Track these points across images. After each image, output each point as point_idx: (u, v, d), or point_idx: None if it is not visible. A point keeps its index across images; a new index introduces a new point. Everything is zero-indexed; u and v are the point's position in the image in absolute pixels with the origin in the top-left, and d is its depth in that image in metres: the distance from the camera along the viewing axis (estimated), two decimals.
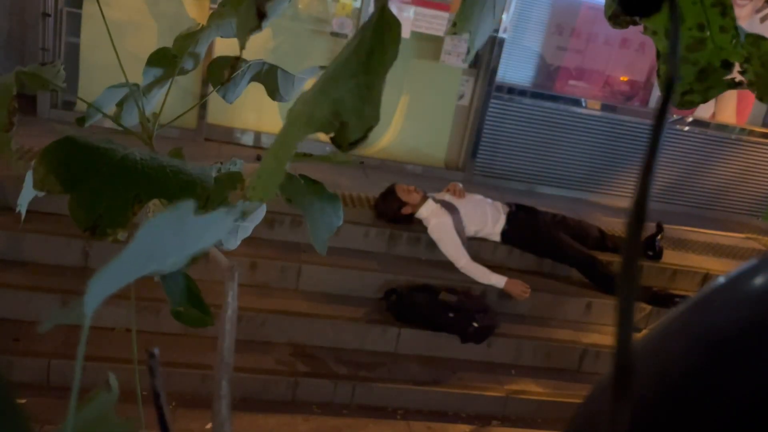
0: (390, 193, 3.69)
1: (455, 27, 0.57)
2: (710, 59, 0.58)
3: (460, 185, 3.81)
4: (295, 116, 0.42)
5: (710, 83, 0.59)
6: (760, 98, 0.61)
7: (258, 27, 0.36)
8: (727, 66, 0.59)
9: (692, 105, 0.61)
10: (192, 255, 0.28)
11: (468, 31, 0.57)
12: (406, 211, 3.65)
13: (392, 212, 3.68)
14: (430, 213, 3.61)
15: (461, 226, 3.59)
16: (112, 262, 0.26)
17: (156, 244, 0.27)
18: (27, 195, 0.69)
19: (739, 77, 0.60)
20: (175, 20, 4.40)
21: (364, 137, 0.39)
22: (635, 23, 0.59)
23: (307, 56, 4.64)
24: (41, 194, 0.61)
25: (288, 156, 0.41)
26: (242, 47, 0.59)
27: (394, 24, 0.41)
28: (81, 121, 0.72)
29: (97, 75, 4.26)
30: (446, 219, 3.56)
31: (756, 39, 0.58)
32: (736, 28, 0.56)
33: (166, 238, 0.27)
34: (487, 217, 3.70)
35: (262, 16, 0.35)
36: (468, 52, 0.63)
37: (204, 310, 0.69)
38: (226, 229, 0.27)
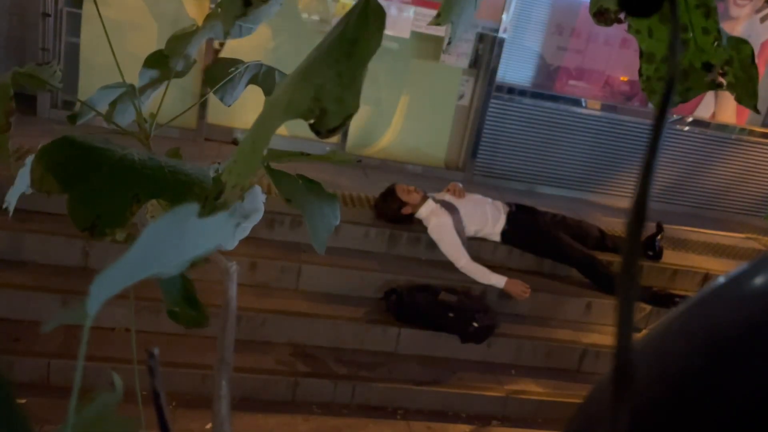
0: (390, 194, 3.69)
1: (439, 18, 0.57)
2: (692, 60, 0.58)
3: (460, 185, 3.81)
4: (273, 102, 0.42)
5: (691, 84, 0.59)
6: (739, 100, 0.61)
7: (244, 14, 0.36)
8: (708, 68, 0.59)
9: (672, 105, 0.61)
10: (193, 258, 0.28)
11: (451, 22, 0.57)
12: (406, 211, 3.65)
13: (392, 212, 3.68)
14: (430, 213, 3.61)
15: (461, 226, 3.59)
16: (114, 264, 0.26)
17: (158, 248, 0.27)
18: (16, 191, 0.69)
19: (719, 79, 0.60)
20: (175, 20, 4.40)
21: (342, 124, 0.39)
22: (620, 21, 0.59)
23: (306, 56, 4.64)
24: (29, 191, 0.61)
25: (265, 141, 0.41)
26: (226, 34, 0.59)
27: (379, 13, 0.41)
28: (73, 118, 0.71)
29: (97, 75, 4.26)
30: (446, 219, 3.56)
31: (737, 42, 0.58)
32: (719, 30, 0.56)
33: (168, 242, 0.27)
34: (487, 217, 3.70)
35: (248, 3, 0.35)
36: (449, 42, 0.63)
37: (199, 310, 0.69)
38: (228, 233, 0.27)
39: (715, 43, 0.56)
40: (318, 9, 4.64)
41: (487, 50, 4.78)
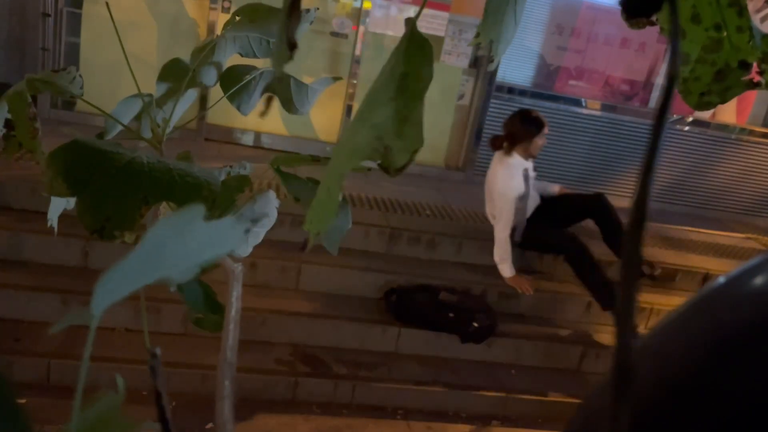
0: (538, 123, 3.47)
1: (479, 37, 0.57)
2: (728, 60, 0.58)
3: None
4: (340, 147, 0.43)
5: (728, 84, 0.59)
6: None
7: (290, 59, 0.37)
8: (745, 66, 0.58)
9: (711, 106, 0.60)
10: (201, 264, 0.27)
11: (491, 39, 0.57)
12: (518, 142, 3.46)
13: (520, 134, 3.46)
14: (520, 168, 3.48)
15: (523, 205, 3.53)
16: (116, 264, 0.26)
17: (162, 251, 0.27)
18: (56, 208, 0.70)
19: (757, 78, 0.60)
20: (175, 20, 4.40)
21: (410, 161, 0.40)
22: (653, 24, 0.59)
23: (307, 56, 4.64)
24: (70, 207, 0.62)
25: (339, 187, 0.42)
26: (280, 75, 0.59)
27: (423, 44, 0.41)
28: (101, 136, 0.72)
29: (97, 75, 4.26)
30: (524, 190, 3.47)
31: None
32: (751, 28, 0.56)
33: (172, 245, 0.27)
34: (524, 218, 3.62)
35: (293, 47, 0.35)
36: (492, 60, 0.63)
37: (223, 314, 0.70)
38: (237, 239, 0.27)
39: (750, 42, 0.56)
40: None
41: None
